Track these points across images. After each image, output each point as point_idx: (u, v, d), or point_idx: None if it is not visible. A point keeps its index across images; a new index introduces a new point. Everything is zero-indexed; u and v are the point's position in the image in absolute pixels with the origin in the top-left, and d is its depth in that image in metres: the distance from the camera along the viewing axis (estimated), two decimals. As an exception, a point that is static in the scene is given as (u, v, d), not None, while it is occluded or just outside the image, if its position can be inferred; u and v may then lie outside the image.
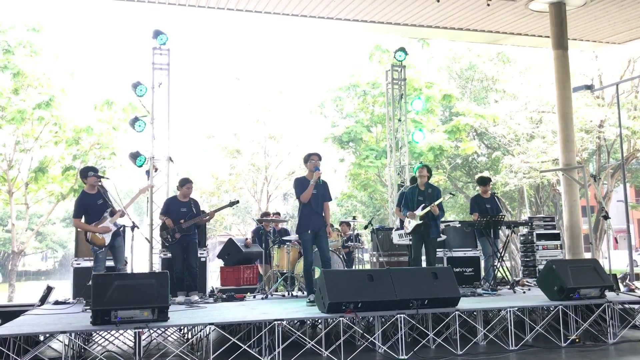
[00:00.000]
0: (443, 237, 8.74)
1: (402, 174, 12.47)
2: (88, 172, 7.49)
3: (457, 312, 6.34)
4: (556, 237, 11.01)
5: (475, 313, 6.74)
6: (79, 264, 8.56)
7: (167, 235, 8.24)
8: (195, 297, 8.04)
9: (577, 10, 12.07)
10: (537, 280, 7.96)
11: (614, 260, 10.98)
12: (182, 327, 7.00)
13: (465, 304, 6.63)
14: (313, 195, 7.36)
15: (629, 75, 19.34)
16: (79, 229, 8.18)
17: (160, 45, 10.59)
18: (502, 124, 21.12)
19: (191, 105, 39.07)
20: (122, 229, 7.77)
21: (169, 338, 6.98)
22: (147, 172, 10.35)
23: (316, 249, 7.61)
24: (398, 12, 11.98)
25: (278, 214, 11.96)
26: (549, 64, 14.07)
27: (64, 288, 10.31)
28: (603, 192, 21.38)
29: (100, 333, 6.57)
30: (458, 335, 6.60)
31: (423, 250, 8.26)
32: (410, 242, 8.50)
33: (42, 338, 6.07)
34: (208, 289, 9.01)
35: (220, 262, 10.62)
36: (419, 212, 8.07)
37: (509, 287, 8.74)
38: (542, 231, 10.98)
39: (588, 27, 13.13)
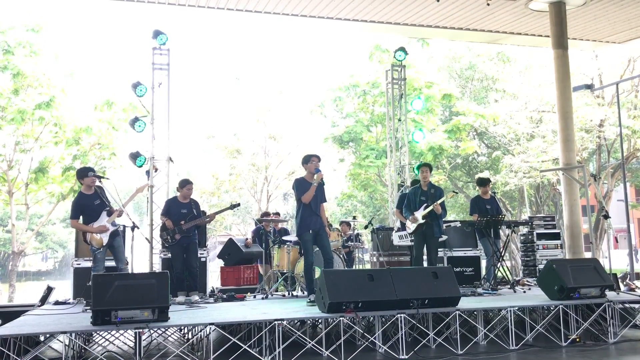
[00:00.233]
0: (444, 237, 8.74)
1: (402, 174, 12.47)
2: (88, 172, 7.47)
3: (457, 312, 6.34)
4: (556, 236, 11.01)
5: (475, 313, 6.74)
6: (79, 264, 8.56)
7: (167, 236, 8.24)
8: (196, 297, 8.04)
9: (577, 9, 12.07)
10: (537, 280, 7.96)
11: (614, 260, 10.96)
12: (182, 327, 7.00)
13: (465, 303, 6.63)
14: (313, 196, 7.36)
15: (629, 75, 19.34)
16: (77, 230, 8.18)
17: (160, 46, 10.59)
18: (502, 124, 21.12)
19: (191, 105, 39.15)
20: (121, 228, 7.77)
21: (169, 338, 6.98)
22: (147, 172, 10.35)
23: (316, 249, 7.62)
24: (398, 11, 11.98)
25: (278, 214, 11.96)
26: (548, 64, 14.07)
27: (64, 288, 10.31)
28: (603, 191, 21.38)
29: (100, 333, 6.56)
30: (458, 334, 6.59)
31: (424, 250, 8.28)
32: (411, 243, 8.51)
33: (42, 338, 6.07)
34: (208, 289, 9.01)
35: (221, 262, 10.62)
36: (421, 212, 8.08)
37: (509, 286, 8.74)
38: (542, 231, 10.98)
39: (588, 27, 13.13)
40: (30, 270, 43.18)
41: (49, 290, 8.23)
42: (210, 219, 8.80)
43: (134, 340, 5.30)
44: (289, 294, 8.64)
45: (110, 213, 7.39)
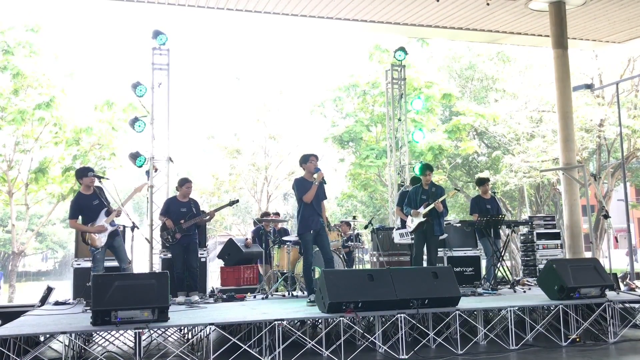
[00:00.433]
0: (445, 235, 8.74)
1: (402, 174, 12.48)
2: (87, 172, 7.47)
3: (457, 312, 6.34)
4: (556, 236, 11.01)
5: (475, 312, 6.74)
6: (79, 264, 8.56)
7: (168, 235, 8.24)
8: (196, 297, 8.04)
9: (577, 9, 12.07)
10: (537, 280, 7.96)
11: (614, 260, 10.96)
12: (182, 328, 7.00)
13: (465, 303, 6.63)
14: (315, 195, 7.35)
15: (629, 74, 19.34)
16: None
17: (160, 46, 10.59)
18: (502, 124, 21.12)
19: (191, 105, 39.13)
20: (121, 228, 7.76)
21: (169, 338, 6.98)
22: (147, 173, 10.35)
23: (316, 249, 7.62)
24: (398, 11, 11.98)
25: (278, 214, 11.96)
26: (548, 63, 14.08)
27: (64, 288, 10.32)
28: (603, 191, 21.38)
29: (100, 333, 6.56)
30: (458, 334, 6.59)
31: (424, 248, 8.28)
32: (412, 241, 8.51)
33: (42, 338, 6.07)
34: (208, 289, 9.01)
35: (221, 262, 10.61)
36: (422, 210, 8.10)
37: (509, 286, 8.73)
38: (542, 230, 10.98)
39: (588, 26, 13.13)
40: (30, 271, 43.20)
41: (49, 290, 8.23)
42: (211, 217, 8.80)
43: (133, 341, 5.30)
44: (289, 294, 8.64)
45: (108, 213, 7.38)
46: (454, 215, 26.86)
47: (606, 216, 10.80)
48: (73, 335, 5.47)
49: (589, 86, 13.87)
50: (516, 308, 6.41)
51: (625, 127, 17.95)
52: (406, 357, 5.81)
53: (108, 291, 5.36)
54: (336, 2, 11.39)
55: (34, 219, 31.33)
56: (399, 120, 12.63)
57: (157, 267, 9.44)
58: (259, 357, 5.60)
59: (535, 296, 7.49)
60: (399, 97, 12.66)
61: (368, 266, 11.37)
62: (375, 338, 6.15)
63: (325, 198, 7.62)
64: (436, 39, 17.83)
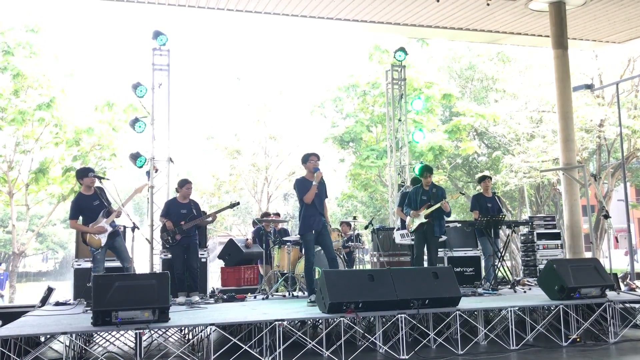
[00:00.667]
0: (444, 237, 8.74)
1: (403, 174, 12.48)
2: (87, 173, 7.48)
3: (457, 312, 6.34)
4: (557, 236, 11.01)
5: (476, 313, 6.74)
6: (80, 265, 8.56)
7: (168, 237, 8.24)
8: (196, 298, 8.04)
9: (577, 9, 12.07)
10: (537, 280, 7.95)
11: (615, 260, 10.97)
12: (183, 328, 7.00)
13: (466, 303, 6.63)
14: (316, 195, 7.35)
15: (629, 75, 19.34)
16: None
17: (160, 46, 10.59)
18: (502, 124, 21.12)
19: (191, 105, 39.14)
20: (121, 229, 7.76)
21: (169, 339, 6.97)
22: (148, 173, 10.36)
23: (317, 249, 7.61)
24: (398, 12, 11.99)
25: (278, 214, 11.96)
26: (548, 64, 14.08)
27: (64, 289, 10.32)
28: (603, 191, 21.38)
29: (101, 334, 6.57)
30: (459, 335, 6.60)
31: (425, 249, 8.28)
32: (413, 242, 8.51)
33: (42, 339, 6.07)
34: (209, 290, 9.01)
35: (221, 263, 10.61)
36: (422, 212, 8.09)
37: (509, 286, 8.73)
38: (542, 231, 10.98)
39: (588, 27, 13.13)
40: (31, 271, 43.21)
41: (50, 291, 8.23)
42: (213, 218, 8.80)
43: (134, 341, 5.30)
44: (289, 294, 8.64)
45: (108, 214, 7.38)
46: (454, 215, 26.86)
47: (606, 216, 10.80)
48: (74, 335, 5.48)
49: (589, 86, 13.88)
50: (516, 308, 6.41)
51: (625, 127, 17.95)
52: (407, 357, 5.81)
53: (108, 292, 5.36)
54: (336, 2, 11.40)
55: (35, 219, 31.33)
56: (399, 120, 12.63)
57: (158, 268, 9.44)
58: (260, 357, 5.61)
59: (535, 296, 7.49)
60: (399, 97, 12.67)
61: (368, 266, 11.37)
62: (375, 338, 6.15)
63: (326, 197, 7.61)
64: (436, 39, 17.82)
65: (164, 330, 6.39)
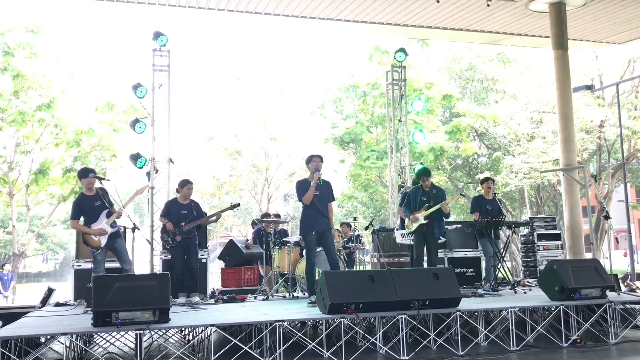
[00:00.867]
0: (443, 239, 8.73)
1: (403, 175, 12.48)
2: (88, 173, 7.48)
3: (458, 313, 6.33)
4: (557, 237, 11.01)
5: (476, 313, 6.73)
6: (80, 265, 8.56)
7: (168, 237, 8.24)
8: (196, 299, 8.03)
9: (577, 10, 12.07)
10: (538, 281, 7.95)
11: (615, 260, 10.97)
12: (183, 329, 6.99)
13: (466, 304, 6.62)
14: (317, 196, 7.34)
15: (629, 75, 19.34)
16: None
17: (161, 47, 10.59)
18: (502, 125, 21.12)
19: (192, 106, 39.10)
20: (122, 230, 7.76)
21: (170, 339, 6.97)
22: (148, 174, 10.36)
23: (319, 249, 7.61)
24: (398, 12, 11.99)
25: (278, 215, 11.96)
26: (549, 64, 14.07)
27: (64, 290, 10.32)
28: (604, 192, 21.38)
29: (101, 335, 6.57)
30: (459, 335, 6.58)
31: (424, 250, 8.27)
32: (412, 242, 8.51)
33: (43, 340, 6.07)
34: (209, 290, 9.01)
35: (221, 264, 10.62)
36: (421, 214, 8.08)
37: (510, 287, 8.72)
38: (542, 231, 10.97)
39: (588, 27, 13.13)
40: (31, 272, 43.20)
41: (50, 291, 8.23)
42: (217, 217, 8.80)
43: (134, 342, 5.30)
44: (289, 295, 8.63)
45: (109, 214, 7.39)
46: (455, 216, 26.86)
47: (607, 217, 10.80)
48: (74, 336, 5.48)
49: (589, 87, 13.89)
50: (517, 309, 6.40)
51: (625, 128, 17.95)
52: (407, 358, 5.81)
53: (109, 292, 5.36)
54: (336, 3, 11.40)
55: (35, 220, 31.33)
56: (400, 121, 12.63)
57: (158, 268, 9.45)
58: (260, 358, 5.60)
59: (535, 297, 7.49)
60: (399, 98, 12.67)
61: (369, 267, 11.37)
62: (376, 339, 6.14)
63: (333, 199, 7.63)
64: (436, 40, 17.84)
65: (164, 331, 6.38)
